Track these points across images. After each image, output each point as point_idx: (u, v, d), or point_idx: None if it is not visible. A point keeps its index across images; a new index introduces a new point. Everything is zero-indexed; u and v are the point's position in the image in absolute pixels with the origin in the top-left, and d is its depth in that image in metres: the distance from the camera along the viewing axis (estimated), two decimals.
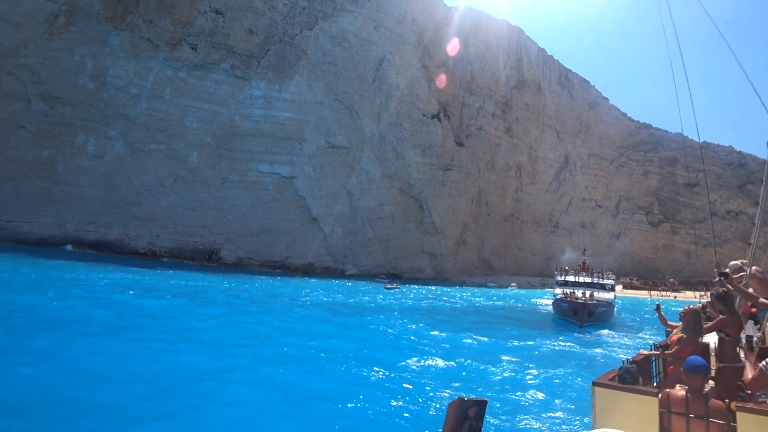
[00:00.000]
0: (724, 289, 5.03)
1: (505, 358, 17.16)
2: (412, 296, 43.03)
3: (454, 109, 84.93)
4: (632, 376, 4.26)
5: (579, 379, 14.25)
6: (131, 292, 26.11)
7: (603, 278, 37.64)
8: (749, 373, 3.81)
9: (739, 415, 3.30)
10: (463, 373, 14.39)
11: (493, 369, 15.19)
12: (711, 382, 4.23)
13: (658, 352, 5.53)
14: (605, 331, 26.86)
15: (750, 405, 3.40)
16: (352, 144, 67.75)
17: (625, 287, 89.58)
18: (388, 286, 49.38)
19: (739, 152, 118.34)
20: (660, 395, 3.66)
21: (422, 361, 15.46)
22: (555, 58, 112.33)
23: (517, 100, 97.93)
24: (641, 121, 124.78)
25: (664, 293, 79.03)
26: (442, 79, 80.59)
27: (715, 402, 3.48)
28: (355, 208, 67.79)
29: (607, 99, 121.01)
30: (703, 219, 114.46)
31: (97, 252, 53.87)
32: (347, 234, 67.15)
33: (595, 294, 34.52)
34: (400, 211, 72.30)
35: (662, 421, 3.56)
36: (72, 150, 55.39)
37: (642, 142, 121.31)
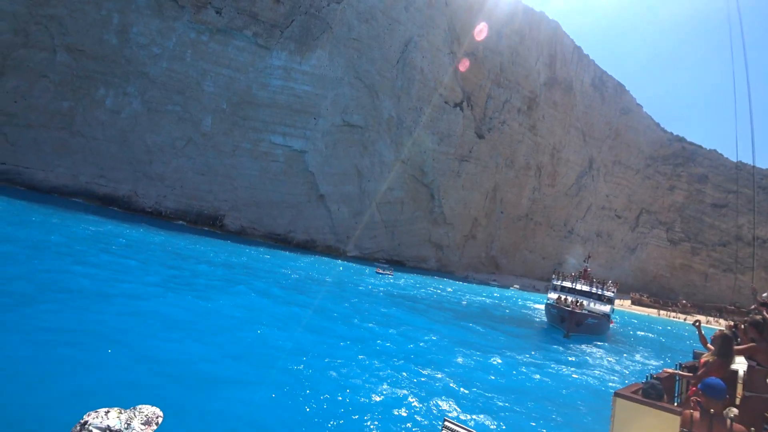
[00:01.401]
0: (762, 317, 5.03)
1: (456, 359, 16.16)
2: (401, 284, 42.06)
3: (478, 99, 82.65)
4: (657, 392, 4.16)
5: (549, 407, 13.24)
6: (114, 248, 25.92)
7: (603, 289, 35.50)
8: None
9: None
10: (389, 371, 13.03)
11: (425, 371, 13.94)
12: (735, 410, 4.06)
13: (684, 372, 5.44)
14: (595, 349, 25.26)
15: None
16: (368, 124, 66.54)
17: (633, 303, 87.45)
18: (380, 270, 48.45)
19: None
20: (683, 414, 3.60)
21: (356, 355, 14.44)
22: (591, 57, 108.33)
23: (546, 98, 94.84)
24: (675, 134, 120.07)
25: (674, 314, 76.69)
26: (465, 63, 78.10)
27: (738, 427, 3.36)
28: (364, 190, 66.83)
29: (641, 106, 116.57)
30: (727, 243, 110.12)
31: (104, 206, 54.41)
32: (353, 215, 66.35)
33: (591, 304, 32.91)
34: (410, 197, 71.06)
35: None
36: (91, 103, 55.71)
37: (673, 155, 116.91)
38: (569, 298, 32.67)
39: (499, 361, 17.38)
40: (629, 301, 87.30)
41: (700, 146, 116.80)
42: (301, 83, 62.17)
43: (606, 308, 33.44)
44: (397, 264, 69.25)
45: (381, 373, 12.69)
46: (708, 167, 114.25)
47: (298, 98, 62.00)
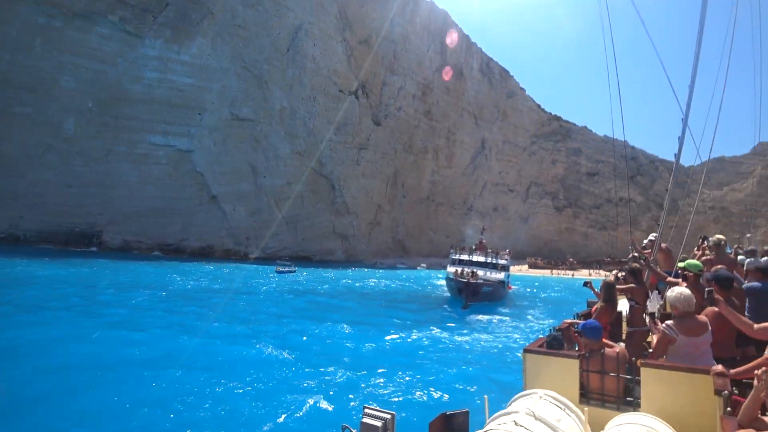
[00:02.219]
0: (637, 265, 6.27)
1: (364, 345, 16.40)
2: (303, 280, 41.45)
3: (373, 87, 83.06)
4: (558, 343, 4.75)
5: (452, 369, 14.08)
6: None
7: (497, 258, 38.10)
8: (654, 337, 4.45)
9: (643, 370, 3.90)
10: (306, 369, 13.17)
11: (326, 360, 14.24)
12: (622, 344, 4.95)
13: (579, 321, 6.01)
14: (494, 315, 27.07)
15: (651, 361, 4.01)
16: (259, 117, 63.53)
17: (530, 266, 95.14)
18: (280, 269, 47.20)
19: (632, 147, 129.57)
20: (579, 357, 4.27)
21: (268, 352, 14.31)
22: (478, 45, 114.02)
23: (439, 84, 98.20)
24: (552, 113, 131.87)
25: (564, 272, 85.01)
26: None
27: (610, 352, 4.26)
28: (261, 187, 64.12)
29: (523, 90, 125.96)
30: (600, 205, 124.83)
31: None
32: (251, 214, 63.48)
33: (487, 273, 35.03)
34: (310, 190, 69.76)
35: (582, 379, 4.23)
36: None
37: (552, 133, 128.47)
38: (465, 270, 34.09)
39: (408, 339, 18.13)
40: (526, 266, 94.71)
41: (574, 124, 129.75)
42: (181, 75, 57.30)
43: (501, 275, 35.73)
44: (304, 260, 68.11)
45: (288, 372, 12.57)
46: (581, 142, 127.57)
47: (179, 92, 57.14)
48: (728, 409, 3.20)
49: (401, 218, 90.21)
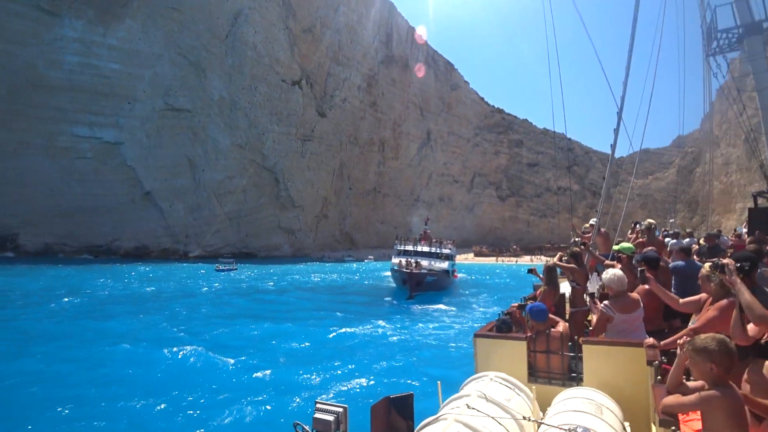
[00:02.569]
0: (577, 249, 6.66)
1: (310, 341, 16.29)
2: (245, 278, 40.09)
3: (318, 77, 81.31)
4: (507, 326, 4.98)
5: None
6: None
7: (441, 247, 38.76)
8: (594, 316, 4.70)
9: (584, 347, 4.16)
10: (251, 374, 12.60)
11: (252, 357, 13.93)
12: (566, 324, 5.08)
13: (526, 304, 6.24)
14: (439, 304, 27.39)
15: (591, 338, 4.31)
16: (196, 107, 60.18)
17: (476, 255, 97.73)
18: (220, 267, 45.34)
19: (569, 139, 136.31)
20: (527, 339, 4.53)
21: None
22: (424, 37, 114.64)
23: (384, 75, 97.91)
24: (495, 106, 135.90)
25: (508, 259, 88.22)
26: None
27: (555, 332, 4.56)
28: (200, 181, 61.00)
29: (467, 83, 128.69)
30: (541, 194, 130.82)
31: None
32: (190, 211, 60.27)
33: (432, 263, 35.52)
34: (253, 184, 67.33)
35: (529, 359, 4.49)
36: None
37: (495, 125, 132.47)
38: (409, 261, 34.28)
39: (355, 332, 18.17)
40: (472, 254, 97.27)
41: (515, 116, 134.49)
42: (108, 60, 52.92)
43: (445, 264, 36.39)
44: (248, 257, 65.93)
45: (231, 375, 12.25)
46: (522, 134, 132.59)
47: (106, 79, 52.83)
48: (659, 377, 3.47)
49: (348, 211, 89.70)
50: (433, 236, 49.97)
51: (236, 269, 45.52)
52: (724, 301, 3.38)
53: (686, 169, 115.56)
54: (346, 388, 11.46)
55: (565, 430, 2.81)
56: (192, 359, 13.67)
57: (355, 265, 64.37)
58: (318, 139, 78.94)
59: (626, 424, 3.50)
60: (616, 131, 8.24)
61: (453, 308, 26.53)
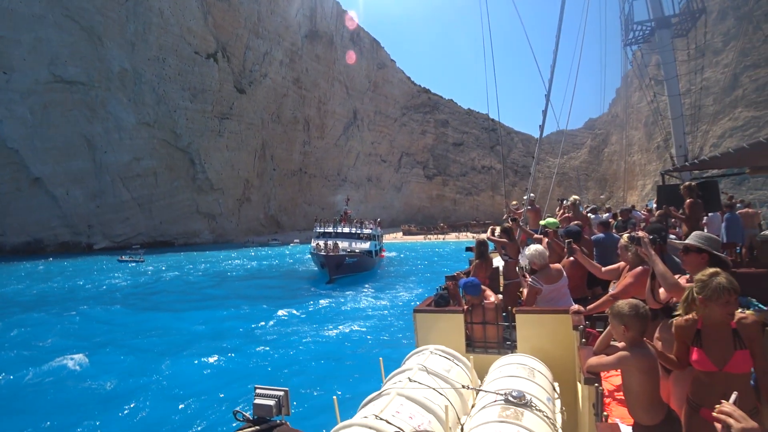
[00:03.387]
0: (509, 224, 7.15)
1: (230, 335, 15.64)
2: (152, 270, 36.79)
3: (235, 50, 75.87)
4: (445, 300, 5.06)
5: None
6: None
7: (361, 228, 38.23)
8: (525, 289, 5.00)
9: (517, 316, 4.47)
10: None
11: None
12: (500, 296, 5.56)
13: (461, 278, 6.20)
14: (363, 286, 26.83)
15: (523, 308, 4.61)
16: (92, 80, 53.28)
17: (404, 233, 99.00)
18: (124, 258, 41.41)
19: (492, 120, 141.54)
20: (464, 311, 4.81)
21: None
22: (355, 21, 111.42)
23: (308, 51, 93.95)
24: (422, 86, 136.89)
25: (436, 236, 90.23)
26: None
27: (489, 304, 4.87)
28: (101, 164, 54.56)
29: (394, 62, 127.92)
30: (466, 173, 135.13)
31: None
32: (91, 197, 53.84)
33: (353, 244, 34.90)
34: (165, 166, 61.78)
35: (467, 330, 4.80)
36: None
37: (422, 105, 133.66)
38: (328, 243, 33.47)
39: (275, 319, 17.71)
40: (401, 233, 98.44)
41: (441, 97, 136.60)
42: None
43: (366, 245, 35.73)
44: (164, 245, 61.03)
45: (149, 376, 11.62)
46: (448, 114, 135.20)
47: None
48: (583, 340, 3.61)
49: (273, 192, 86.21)
50: (359, 216, 49.51)
51: (143, 260, 41.65)
52: (639, 269, 3.64)
53: (596, 149, 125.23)
54: (279, 374, 11.51)
55: (501, 394, 3.01)
56: (98, 363, 12.80)
57: (280, 249, 62.16)
58: (237, 117, 74.21)
59: (556, 384, 3.71)
60: (545, 113, 8.67)
61: (377, 289, 26.38)
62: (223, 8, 71.86)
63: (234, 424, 2.17)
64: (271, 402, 2.16)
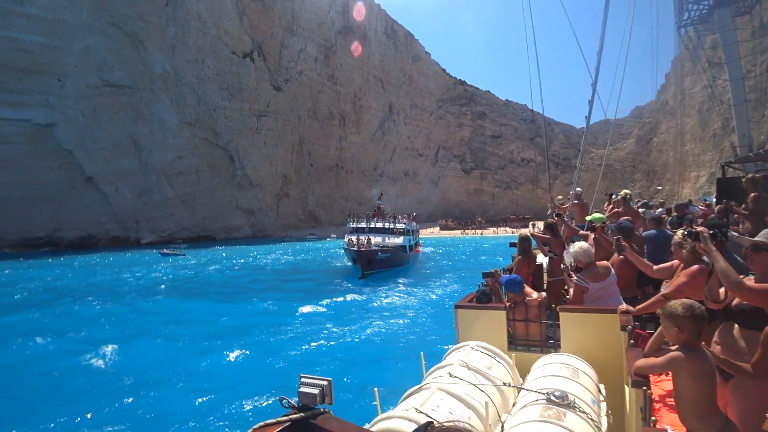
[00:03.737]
0: (552, 220, 6.75)
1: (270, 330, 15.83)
2: (193, 264, 37.94)
3: (271, 49, 77.23)
4: (487, 296, 5.05)
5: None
6: None
7: (394, 222, 37.60)
8: (571, 288, 4.88)
9: (561, 315, 4.40)
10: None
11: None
12: (543, 294, 5.36)
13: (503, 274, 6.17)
14: (393, 283, 26.54)
15: (567, 306, 4.55)
16: (137, 83, 55.72)
17: (442, 228, 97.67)
18: (166, 251, 42.88)
19: (531, 110, 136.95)
20: (506, 308, 4.73)
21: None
22: (382, 7, 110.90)
23: (342, 47, 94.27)
24: (458, 78, 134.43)
25: (473, 231, 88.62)
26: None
27: (532, 300, 4.77)
28: (147, 163, 57.10)
29: (429, 54, 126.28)
30: (504, 166, 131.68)
31: None
32: (138, 195, 56.45)
33: (386, 239, 34.47)
34: (206, 164, 63.86)
35: (509, 327, 4.70)
36: None
37: (458, 97, 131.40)
38: (360, 238, 33.17)
39: (314, 311, 17.99)
40: (438, 228, 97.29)
41: (478, 88, 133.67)
42: (28, 32, 47.60)
43: (399, 240, 35.17)
44: (206, 240, 63.19)
45: (203, 366, 12.07)
46: (485, 105, 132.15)
47: (27, 53, 47.68)
48: (631, 341, 3.48)
49: (310, 188, 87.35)
50: (395, 211, 49.01)
51: (184, 254, 43.03)
52: (694, 267, 3.45)
53: (644, 139, 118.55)
54: (324, 365, 11.87)
55: (543, 393, 2.94)
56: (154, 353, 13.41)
57: (316, 243, 62.81)
58: (274, 115, 75.58)
59: (601, 386, 3.59)
60: (591, 102, 8.28)
61: (412, 284, 25.92)
62: (257, 8, 73.22)
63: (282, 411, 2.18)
64: (315, 391, 2.18)
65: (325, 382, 2.23)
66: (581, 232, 6.79)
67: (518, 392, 3.47)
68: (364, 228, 36.46)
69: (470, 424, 2.34)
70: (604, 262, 4.69)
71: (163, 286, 26.04)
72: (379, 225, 36.92)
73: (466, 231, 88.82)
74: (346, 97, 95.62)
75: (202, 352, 13.43)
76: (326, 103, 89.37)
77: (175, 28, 59.85)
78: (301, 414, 2.14)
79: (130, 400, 10.06)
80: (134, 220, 56.42)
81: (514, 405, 3.37)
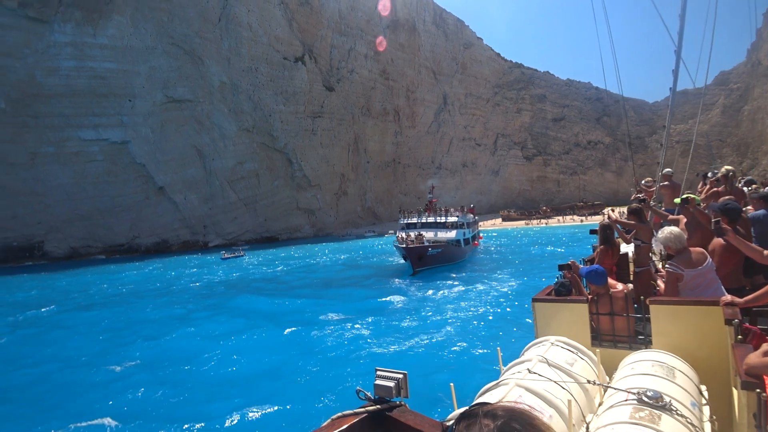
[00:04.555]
0: (638, 205, 6.20)
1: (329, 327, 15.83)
2: (251, 264, 39.22)
3: (321, 51, 78.64)
4: (566, 289, 4.69)
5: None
6: None
7: (447, 216, 36.23)
8: (660, 281, 4.64)
9: (652, 307, 3.95)
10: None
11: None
12: (630, 285, 4.93)
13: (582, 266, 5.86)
14: (444, 280, 25.62)
15: (659, 297, 4.13)
16: (197, 96, 59.19)
17: (504, 219, 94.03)
18: (227, 255, 44.74)
19: (596, 88, 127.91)
20: (588, 301, 4.35)
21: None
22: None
23: (391, 41, 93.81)
24: (513, 61, 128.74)
25: (537, 221, 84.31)
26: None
27: (618, 293, 4.42)
28: (211, 171, 60.56)
29: (481, 39, 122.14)
30: (569, 150, 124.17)
31: None
32: (204, 201, 60.13)
33: (438, 234, 33.27)
34: (266, 167, 66.41)
35: (592, 322, 4.35)
36: None
37: (515, 81, 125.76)
38: (411, 234, 32.28)
39: (375, 307, 17.91)
40: (500, 219, 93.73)
41: (536, 70, 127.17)
42: (102, 60, 52.36)
43: (452, 234, 33.81)
44: (269, 241, 65.68)
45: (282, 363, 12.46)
46: (544, 87, 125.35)
47: (102, 79, 52.38)
48: (739, 337, 3.18)
49: (368, 185, 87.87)
50: (454, 204, 47.53)
51: (244, 255, 44.76)
52: None
53: (732, 108, 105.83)
54: (396, 359, 12.05)
55: (634, 393, 2.71)
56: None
57: (374, 240, 62.80)
58: (328, 115, 76.88)
59: (703, 387, 3.26)
60: (675, 71, 7.60)
61: (466, 280, 24.68)
62: (305, 12, 74.77)
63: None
64: (391, 383, 2.20)
65: (401, 375, 2.22)
66: (671, 217, 6.13)
67: (604, 391, 3.23)
68: (416, 223, 35.52)
69: (534, 408, 2.57)
70: (699, 249, 4.21)
71: (256, 285, 27.23)
72: (431, 220, 35.78)
73: (530, 221, 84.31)
74: (399, 92, 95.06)
75: (274, 346, 13.96)
76: (379, 100, 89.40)
77: (229, 40, 62.69)
78: (378, 406, 2.15)
79: (218, 388, 10.86)
80: (202, 224, 60.03)
81: (600, 405, 3.14)
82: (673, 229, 4.27)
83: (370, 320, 16.12)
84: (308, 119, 72.69)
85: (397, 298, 19.99)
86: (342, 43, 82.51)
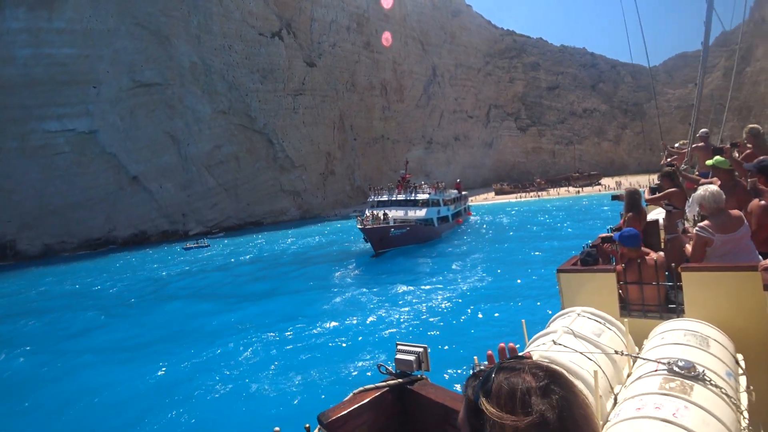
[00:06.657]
0: (670, 167, 6.33)
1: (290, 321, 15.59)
2: (216, 253, 37.57)
3: (300, 24, 75.02)
4: (593, 258, 4.63)
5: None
6: None
7: (416, 193, 34.39)
8: (688, 245, 4.31)
9: (684, 275, 3.76)
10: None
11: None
12: (662, 253, 4.64)
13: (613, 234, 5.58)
14: (410, 261, 24.18)
15: (692, 264, 3.87)
16: (167, 79, 56.29)
17: (497, 193, 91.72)
18: (189, 245, 43.09)
19: (591, 53, 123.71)
20: (616, 269, 4.26)
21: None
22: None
23: (375, 11, 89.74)
24: (505, 29, 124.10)
25: (531, 194, 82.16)
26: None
27: (650, 260, 4.23)
28: (186, 156, 58.16)
29: (470, 6, 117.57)
30: (564, 119, 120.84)
31: None
32: (181, 188, 57.93)
33: (408, 213, 31.58)
34: (245, 150, 63.92)
35: (620, 291, 4.26)
36: None
37: (507, 49, 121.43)
38: (377, 213, 30.47)
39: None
40: (493, 193, 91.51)
41: (529, 37, 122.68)
42: (60, 46, 49.41)
43: (421, 213, 32.14)
44: (253, 225, 63.89)
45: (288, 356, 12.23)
46: (538, 55, 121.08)
47: (63, 66, 49.53)
48: None
49: (356, 163, 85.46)
50: (446, 180, 45.52)
51: (208, 246, 42.99)
52: None
53: (733, 70, 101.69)
54: (418, 332, 12.30)
55: (664, 363, 2.64)
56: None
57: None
58: (311, 92, 73.90)
59: (739, 356, 3.14)
60: (708, 23, 7.12)
61: (428, 265, 23.04)
62: None
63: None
64: (412, 357, 2.23)
65: (421, 349, 2.24)
66: (702, 180, 5.79)
67: (633, 362, 3.14)
68: (386, 201, 33.64)
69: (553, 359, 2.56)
70: (737, 211, 4.01)
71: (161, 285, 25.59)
72: (401, 197, 33.84)
73: (522, 194, 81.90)
74: (385, 65, 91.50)
75: (312, 323, 14.57)
76: (365, 74, 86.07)
77: (198, 17, 59.39)
78: (399, 380, 2.21)
79: (235, 372, 11.26)
80: (181, 213, 58.15)
81: (628, 376, 3.06)
82: (711, 187, 4.03)
83: (388, 302, 16.26)
84: (289, 97, 69.80)
85: (352, 282, 20.10)
86: (322, 15, 78.74)
